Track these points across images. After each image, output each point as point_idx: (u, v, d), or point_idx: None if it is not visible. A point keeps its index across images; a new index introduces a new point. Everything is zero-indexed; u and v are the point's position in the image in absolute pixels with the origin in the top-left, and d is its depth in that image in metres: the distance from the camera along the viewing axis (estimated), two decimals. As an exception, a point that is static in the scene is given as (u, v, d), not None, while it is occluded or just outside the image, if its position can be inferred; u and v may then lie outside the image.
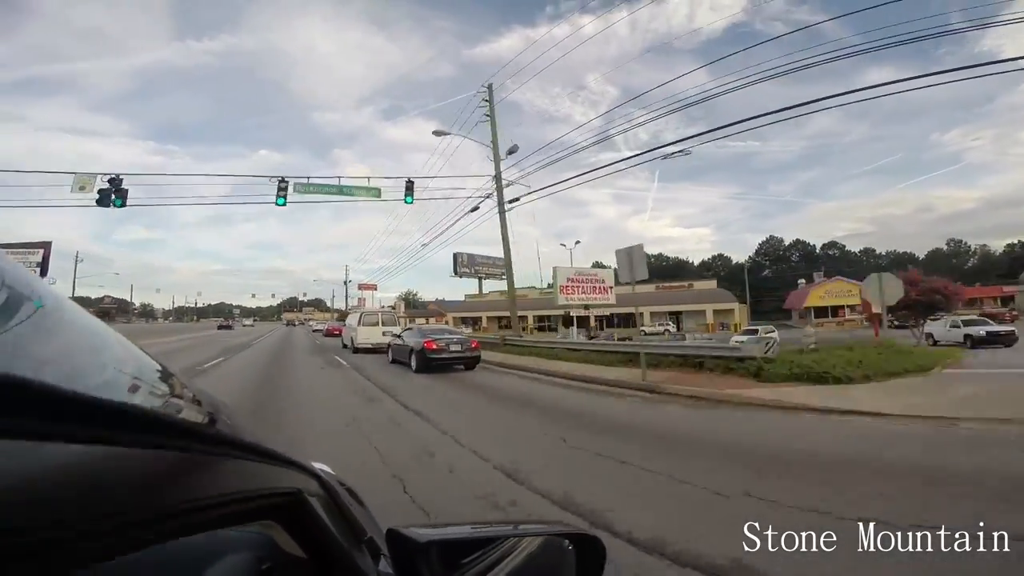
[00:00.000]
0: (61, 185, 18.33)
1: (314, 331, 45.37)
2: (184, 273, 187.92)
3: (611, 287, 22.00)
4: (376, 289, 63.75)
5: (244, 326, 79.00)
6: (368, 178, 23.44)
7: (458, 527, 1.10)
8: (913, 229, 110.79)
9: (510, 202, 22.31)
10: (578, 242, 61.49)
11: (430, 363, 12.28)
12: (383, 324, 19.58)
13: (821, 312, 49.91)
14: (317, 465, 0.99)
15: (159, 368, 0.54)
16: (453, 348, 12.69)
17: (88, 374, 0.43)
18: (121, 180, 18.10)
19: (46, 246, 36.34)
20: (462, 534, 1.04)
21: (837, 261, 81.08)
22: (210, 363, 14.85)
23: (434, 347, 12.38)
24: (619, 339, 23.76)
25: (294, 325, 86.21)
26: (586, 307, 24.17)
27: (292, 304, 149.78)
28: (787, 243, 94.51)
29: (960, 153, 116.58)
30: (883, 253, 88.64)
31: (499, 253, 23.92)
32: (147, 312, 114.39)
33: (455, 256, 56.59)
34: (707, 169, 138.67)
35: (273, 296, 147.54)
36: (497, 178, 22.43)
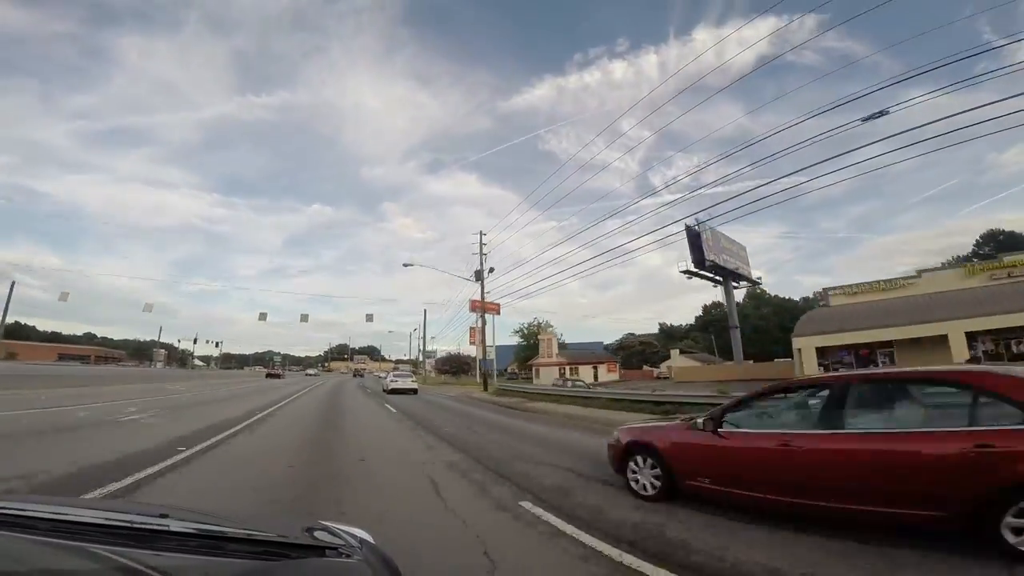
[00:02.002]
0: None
1: (390, 390, 25.44)
2: (244, 324, 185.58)
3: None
4: (499, 312, 41.29)
5: (308, 375, 67.54)
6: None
7: None
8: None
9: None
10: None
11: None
12: None
13: None
14: (358, 532, 1.13)
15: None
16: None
17: None
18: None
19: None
20: None
21: None
22: None
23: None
24: None
25: (361, 376, 71.24)
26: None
27: (342, 351, 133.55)
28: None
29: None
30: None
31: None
32: (143, 354, 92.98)
33: (693, 234, 31.67)
34: (752, 209, 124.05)
35: (305, 316, 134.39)
36: None
